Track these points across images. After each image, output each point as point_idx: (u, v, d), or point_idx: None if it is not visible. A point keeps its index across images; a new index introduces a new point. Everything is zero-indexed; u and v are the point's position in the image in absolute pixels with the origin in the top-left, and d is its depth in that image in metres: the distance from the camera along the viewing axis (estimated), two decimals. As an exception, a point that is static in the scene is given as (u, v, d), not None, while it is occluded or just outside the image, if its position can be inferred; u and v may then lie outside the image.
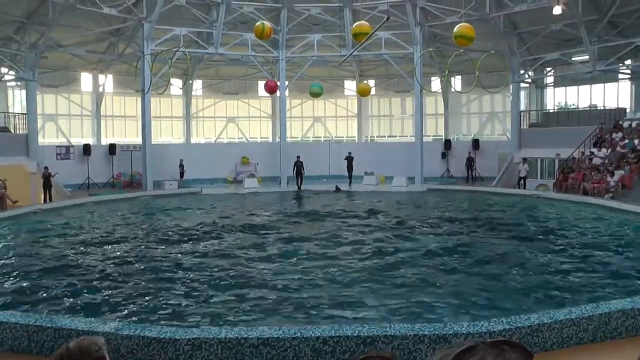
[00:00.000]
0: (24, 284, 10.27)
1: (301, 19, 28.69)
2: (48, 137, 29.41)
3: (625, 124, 25.14)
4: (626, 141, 23.62)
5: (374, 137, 36.50)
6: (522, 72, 28.71)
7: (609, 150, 23.66)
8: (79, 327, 6.25)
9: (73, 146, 28.41)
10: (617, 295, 8.57)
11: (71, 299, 9.25)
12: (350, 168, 29.51)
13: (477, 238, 14.63)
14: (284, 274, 10.83)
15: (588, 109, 29.27)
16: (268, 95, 31.27)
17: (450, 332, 5.87)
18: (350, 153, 29.78)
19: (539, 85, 31.70)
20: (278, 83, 26.17)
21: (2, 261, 12.26)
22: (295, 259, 12.13)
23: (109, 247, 13.85)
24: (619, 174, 21.44)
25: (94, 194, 24.66)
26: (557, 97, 31.75)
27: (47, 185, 22.47)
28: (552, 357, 5.26)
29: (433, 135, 34.28)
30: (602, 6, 24.20)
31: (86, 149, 27.62)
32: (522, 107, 30.27)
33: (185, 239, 14.76)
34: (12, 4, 22.59)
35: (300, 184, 28.17)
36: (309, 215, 19.09)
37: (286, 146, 29.58)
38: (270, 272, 10.97)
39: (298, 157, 28.91)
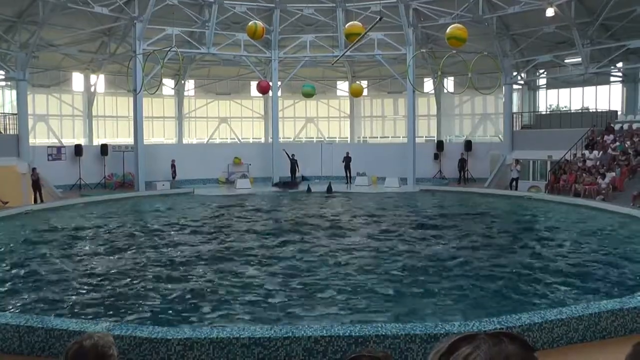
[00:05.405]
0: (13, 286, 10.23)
1: (294, 19, 28.68)
2: (39, 137, 29.24)
3: (617, 127, 25.28)
4: (617, 143, 23.76)
5: (366, 138, 36.54)
6: (514, 73, 28.81)
7: (601, 153, 23.79)
8: (70, 327, 6.23)
9: (64, 147, 28.22)
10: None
11: (62, 300, 9.21)
12: (348, 168, 29.59)
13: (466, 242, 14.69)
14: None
15: (580, 111, 29.43)
16: (260, 95, 31.31)
17: (442, 332, 5.89)
18: (348, 153, 29.84)
19: (531, 87, 31.83)
20: (270, 83, 26.20)
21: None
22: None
23: (101, 248, 13.80)
24: (610, 176, 21.57)
25: (86, 195, 24.55)
26: (549, 99, 31.90)
27: (36, 187, 22.29)
28: (542, 356, 5.26)
29: (425, 137, 34.33)
30: (595, 9, 24.33)
31: (78, 149, 27.44)
32: (515, 108, 30.36)
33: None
34: (2, 3, 22.43)
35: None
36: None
37: (278, 147, 29.58)
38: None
39: (292, 155, 28.94)
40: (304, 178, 29.48)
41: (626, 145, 23.29)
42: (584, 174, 22.51)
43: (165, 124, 34.42)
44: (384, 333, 5.95)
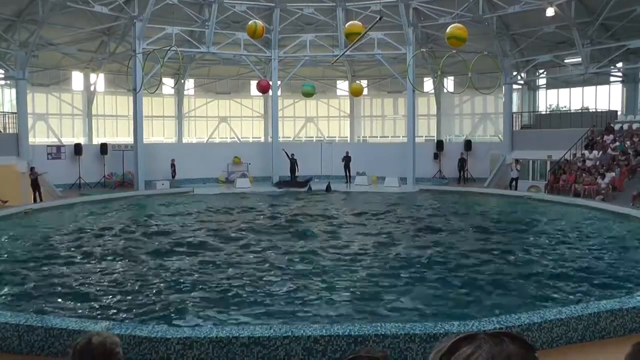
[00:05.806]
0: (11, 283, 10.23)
1: (294, 18, 28.68)
2: (39, 136, 29.21)
3: (617, 127, 25.29)
4: (617, 143, 23.77)
5: (366, 137, 36.52)
6: (514, 73, 28.81)
7: (600, 153, 23.79)
8: (70, 326, 6.23)
9: (64, 146, 28.21)
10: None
11: (61, 299, 9.21)
12: (347, 168, 29.61)
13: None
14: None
15: (580, 111, 29.42)
16: (260, 94, 31.28)
17: (441, 332, 5.89)
18: (347, 152, 29.84)
19: (531, 87, 31.82)
20: (270, 83, 26.19)
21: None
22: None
23: (101, 246, 13.80)
24: (609, 176, 21.57)
25: (85, 194, 24.54)
26: (549, 99, 31.89)
27: (35, 186, 22.24)
28: (542, 356, 5.25)
29: (425, 136, 34.31)
30: (595, 9, 24.33)
31: (77, 148, 27.43)
32: (515, 108, 30.35)
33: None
34: (1, 2, 22.43)
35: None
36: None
37: (278, 146, 29.59)
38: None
39: (292, 154, 28.95)
40: (312, 178, 29.38)
41: (626, 145, 23.30)
42: (583, 174, 22.52)
43: (165, 123, 34.40)
44: (383, 332, 5.95)
